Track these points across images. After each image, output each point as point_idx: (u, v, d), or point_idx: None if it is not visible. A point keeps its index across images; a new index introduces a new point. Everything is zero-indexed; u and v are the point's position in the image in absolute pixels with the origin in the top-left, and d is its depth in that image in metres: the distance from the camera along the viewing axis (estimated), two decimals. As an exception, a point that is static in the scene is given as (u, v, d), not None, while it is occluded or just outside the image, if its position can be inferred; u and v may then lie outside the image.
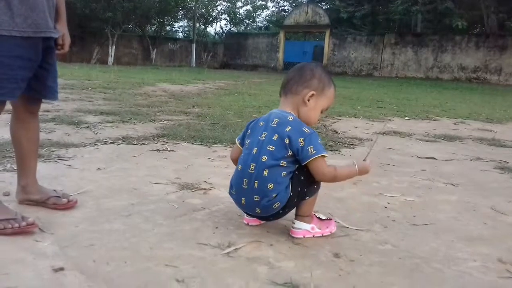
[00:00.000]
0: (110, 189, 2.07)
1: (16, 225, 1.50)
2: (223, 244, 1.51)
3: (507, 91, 14.43)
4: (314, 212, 1.69)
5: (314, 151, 1.51)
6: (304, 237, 1.61)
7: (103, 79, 9.40)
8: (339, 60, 23.80)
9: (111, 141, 3.16)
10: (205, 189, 2.17)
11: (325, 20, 23.87)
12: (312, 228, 1.62)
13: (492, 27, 20.28)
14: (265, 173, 1.53)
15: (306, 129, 1.55)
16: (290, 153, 1.54)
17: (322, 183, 1.65)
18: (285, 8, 33.23)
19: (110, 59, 22.85)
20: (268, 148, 1.55)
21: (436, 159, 3.22)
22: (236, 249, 1.48)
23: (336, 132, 4.22)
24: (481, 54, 20.07)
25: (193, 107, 5.59)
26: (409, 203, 2.13)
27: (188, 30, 37.28)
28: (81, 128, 3.61)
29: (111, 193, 2.01)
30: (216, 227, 1.68)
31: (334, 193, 2.22)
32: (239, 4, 35.67)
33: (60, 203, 1.76)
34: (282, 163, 1.54)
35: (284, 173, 1.54)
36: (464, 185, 2.53)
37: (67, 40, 1.75)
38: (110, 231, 1.59)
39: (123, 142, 3.16)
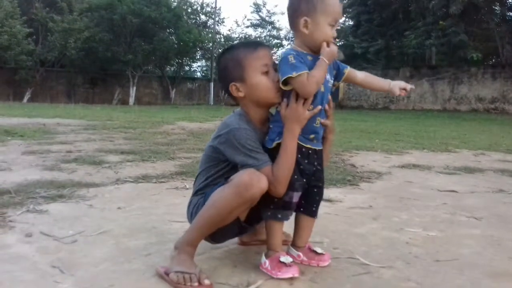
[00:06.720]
0: (130, 228, 2.09)
1: (189, 284, 1.46)
2: (242, 283, 1.50)
3: (528, 120, 14.20)
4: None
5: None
6: (261, 268, 1.59)
7: (124, 119, 9.62)
8: (355, 94, 23.89)
9: (131, 180, 3.21)
10: (224, 226, 2.16)
11: (340, 56, 24.01)
12: (264, 263, 1.59)
13: (507, 58, 20.19)
14: None
15: (286, 56, 1.54)
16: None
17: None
18: (300, 45, 33.87)
19: (131, 100, 23.49)
20: None
21: (457, 192, 3.17)
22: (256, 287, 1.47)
23: (354, 166, 4.20)
24: (498, 84, 19.90)
25: (211, 144, 5.64)
26: (431, 238, 2.08)
27: (206, 70, 38.10)
28: (102, 167, 3.68)
29: (130, 232, 2.03)
30: (235, 266, 1.67)
31: (354, 229, 2.19)
32: (255, 43, 36.43)
33: None
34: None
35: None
36: (487, 218, 2.47)
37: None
38: (129, 271, 1.60)
39: (142, 181, 3.20)
